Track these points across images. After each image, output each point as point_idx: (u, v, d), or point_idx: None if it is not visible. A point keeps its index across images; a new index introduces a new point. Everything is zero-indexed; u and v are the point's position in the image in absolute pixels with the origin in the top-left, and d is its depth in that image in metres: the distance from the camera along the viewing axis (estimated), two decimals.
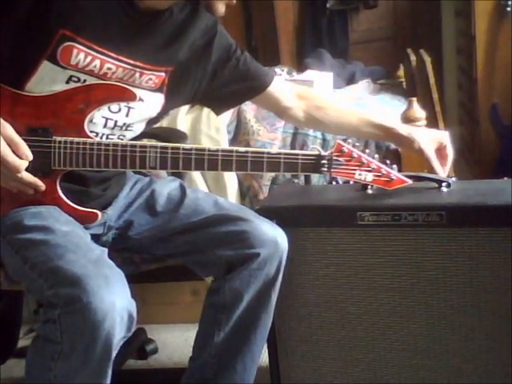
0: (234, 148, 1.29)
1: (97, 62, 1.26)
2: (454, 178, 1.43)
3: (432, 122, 2.16)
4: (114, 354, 1.11)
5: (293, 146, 2.07)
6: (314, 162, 1.29)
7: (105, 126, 1.32)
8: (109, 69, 1.27)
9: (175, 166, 1.28)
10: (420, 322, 1.35)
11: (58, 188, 1.28)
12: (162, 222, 1.41)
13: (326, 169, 1.29)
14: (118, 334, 1.09)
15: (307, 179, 1.61)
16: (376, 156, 1.31)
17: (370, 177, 1.30)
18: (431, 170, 1.45)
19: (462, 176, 1.54)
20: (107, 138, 1.32)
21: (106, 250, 1.23)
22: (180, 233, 1.38)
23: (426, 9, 3.76)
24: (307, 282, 1.43)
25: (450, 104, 3.79)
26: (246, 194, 2.08)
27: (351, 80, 2.87)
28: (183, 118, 2.14)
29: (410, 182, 1.33)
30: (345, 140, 1.31)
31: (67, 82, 1.26)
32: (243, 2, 3.99)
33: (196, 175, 2.07)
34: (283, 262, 1.35)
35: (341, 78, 2.78)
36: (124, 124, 1.34)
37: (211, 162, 1.28)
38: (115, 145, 1.27)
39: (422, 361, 1.37)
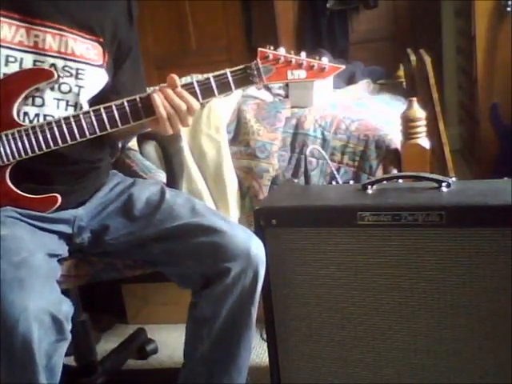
0: (164, 85, 1.28)
1: (22, 32, 1.28)
2: (453, 178, 1.43)
3: (432, 122, 2.16)
4: (43, 359, 1.08)
5: (293, 146, 2.07)
6: (243, 75, 1.28)
7: (58, 107, 1.33)
8: (36, 36, 1.28)
9: (114, 125, 1.28)
10: (420, 322, 1.35)
11: (10, 183, 1.29)
12: (138, 227, 1.38)
13: (257, 78, 1.28)
14: (44, 339, 1.07)
15: (307, 179, 1.61)
16: (303, 53, 1.30)
17: (303, 73, 1.29)
18: None
19: (461, 176, 1.54)
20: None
21: (40, 250, 1.20)
22: (154, 240, 1.36)
23: (426, 9, 3.76)
24: (307, 281, 1.42)
25: (450, 104, 3.79)
26: (246, 193, 2.08)
27: (351, 80, 2.87)
28: None
29: (342, 67, 1.32)
30: (265, 47, 1.31)
31: (6, 65, 1.27)
32: (243, 1, 4.00)
33: (196, 175, 2.07)
34: (260, 274, 1.32)
35: (341, 78, 2.77)
36: (76, 104, 1.35)
37: (147, 108, 1.27)
38: (49, 123, 1.28)
39: (422, 361, 1.37)
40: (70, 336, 1.14)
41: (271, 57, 1.28)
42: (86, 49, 1.34)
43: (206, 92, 1.29)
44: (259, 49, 1.29)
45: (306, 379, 1.49)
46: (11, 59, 1.28)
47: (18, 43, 1.28)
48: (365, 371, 1.43)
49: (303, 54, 1.29)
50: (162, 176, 1.77)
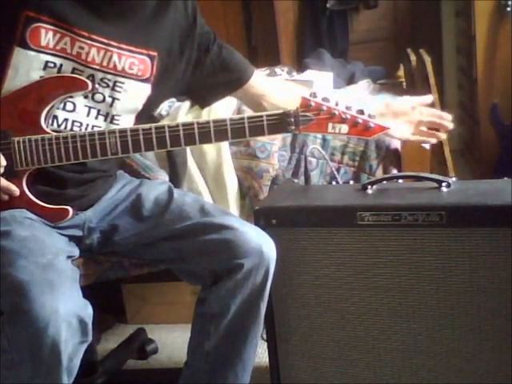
0: (195, 120, 1.26)
1: (67, 40, 1.26)
2: (454, 178, 1.43)
3: None
4: (66, 360, 1.09)
5: (293, 146, 2.07)
6: (279, 122, 1.24)
7: (88, 115, 1.31)
8: (81, 48, 1.27)
9: (137, 149, 1.26)
10: (420, 322, 1.35)
11: (25, 188, 1.28)
12: (147, 227, 1.38)
13: (293, 126, 1.23)
14: (70, 340, 1.08)
15: (307, 179, 1.61)
16: (350, 105, 1.23)
17: (344, 128, 1.23)
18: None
19: (461, 176, 1.54)
20: (92, 129, 1.32)
21: (61, 253, 1.21)
22: (164, 239, 1.36)
23: (426, 9, 3.76)
24: (307, 282, 1.42)
25: (450, 104, 3.79)
26: (246, 194, 2.08)
27: (351, 80, 2.87)
28: (183, 117, 2.14)
29: (389, 127, 1.25)
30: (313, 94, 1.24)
31: (44, 69, 1.26)
32: (243, 1, 4.00)
33: (196, 175, 2.07)
34: (271, 271, 1.32)
35: (341, 78, 2.78)
36: (108, 114, 1.33)
37: (173, 138, 1.25)
38: (73, 136, 1.26)
39: (422, 361, 1.37)
40: (91, 338, 1.14)
41: (313, 105, 1.22)
42: (131, 64, 1.31)
43: (237, 132, 1.25)
44: (302, 96, 1.23)
45: (306, 379, 1.49)
46: (50, 65, 1.26)
47: (60, 50, 1.26)
48: (365, 371, 1.43)
49: (353, 108, 1.23)
50: (164, 175, 1.77)
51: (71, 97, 1.29)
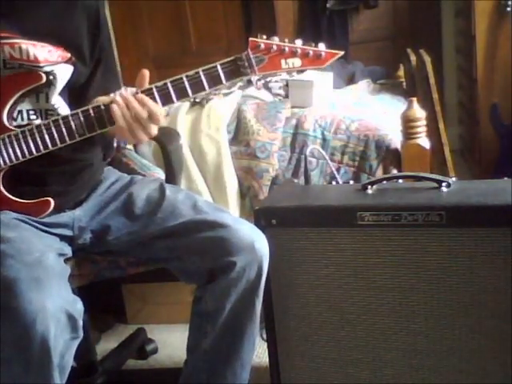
0: (153, 85, 1.24)
1: None
2: (454, 178, 1.43)
3: (432, 122, 2.16)
4: (57, 357, 1.09)
5: (293, 146, 2.07)
6: (234, 67, 1.24)
7: (37, 100, 1.32)
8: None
9: (102, 125, 1.25)
10: (420, 322, 1.35)
11: (2, 189, 1.28)
12: (139, 226, 1.37)
13: (248, 69, 1.23)
14: (60, 337, 1.08)
15: (307, 179, 1.61)
16: (298, 40, 1.25)
17: (297, 62, 1.24)
18: None
19: (461, 176, 1.54)
20: (48, 112, 1.32)
21: (50, 250, 1.21)
22: (157, 238, 1.36)
23: (426, 9, 3.76)
24: (307, 282, 1.42)
25: (450, 104, 3.79)
26: (246, 194, 2.08)
27: (351, 80, 2.87)
28: (183, 117, 2.14)
29: (340, 52, 1.27)
30: (256, 36, 1.25)
31: None
32: (243, 1, 4.00)
33: (196, 175, 2.07)
34: (264, 267, 1.33)
35: (341, 78, 2.78)
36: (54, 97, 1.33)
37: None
38: (38, 126, 1.26)
39: (422, 361, 1.37)
40: (82, 334, 1.14)
41: (263, 46, 1.23)
42: (48, 51, 1.30)
43: (196, 86, 1.24)
44: (250, 38, 1.24)
45: (306, 379, 1.49)
46: None
47: None
48: (365, 371, 1.43)
49: (298, 42, 1.24)
50: (160, 173, 1.77)
51: None
